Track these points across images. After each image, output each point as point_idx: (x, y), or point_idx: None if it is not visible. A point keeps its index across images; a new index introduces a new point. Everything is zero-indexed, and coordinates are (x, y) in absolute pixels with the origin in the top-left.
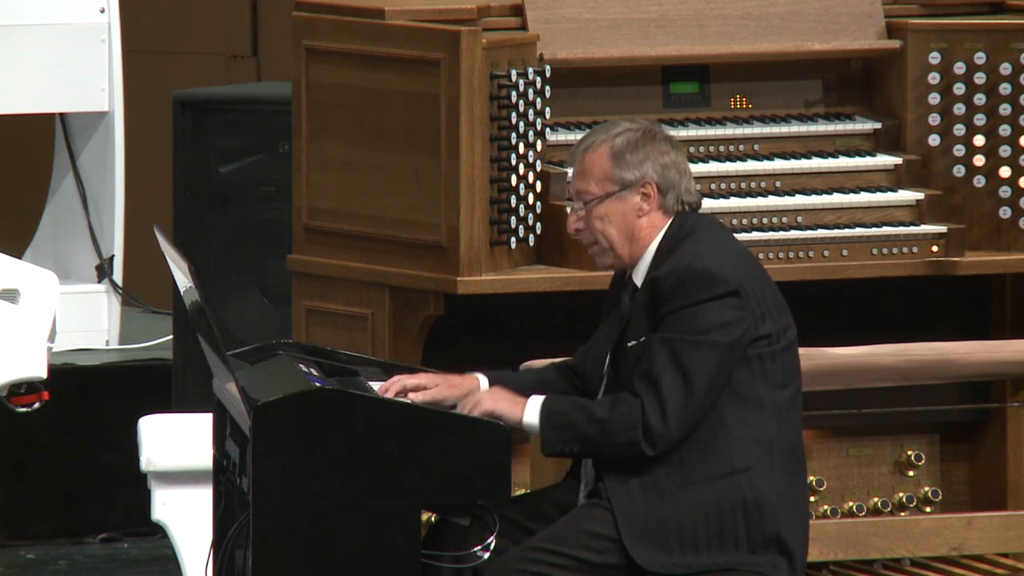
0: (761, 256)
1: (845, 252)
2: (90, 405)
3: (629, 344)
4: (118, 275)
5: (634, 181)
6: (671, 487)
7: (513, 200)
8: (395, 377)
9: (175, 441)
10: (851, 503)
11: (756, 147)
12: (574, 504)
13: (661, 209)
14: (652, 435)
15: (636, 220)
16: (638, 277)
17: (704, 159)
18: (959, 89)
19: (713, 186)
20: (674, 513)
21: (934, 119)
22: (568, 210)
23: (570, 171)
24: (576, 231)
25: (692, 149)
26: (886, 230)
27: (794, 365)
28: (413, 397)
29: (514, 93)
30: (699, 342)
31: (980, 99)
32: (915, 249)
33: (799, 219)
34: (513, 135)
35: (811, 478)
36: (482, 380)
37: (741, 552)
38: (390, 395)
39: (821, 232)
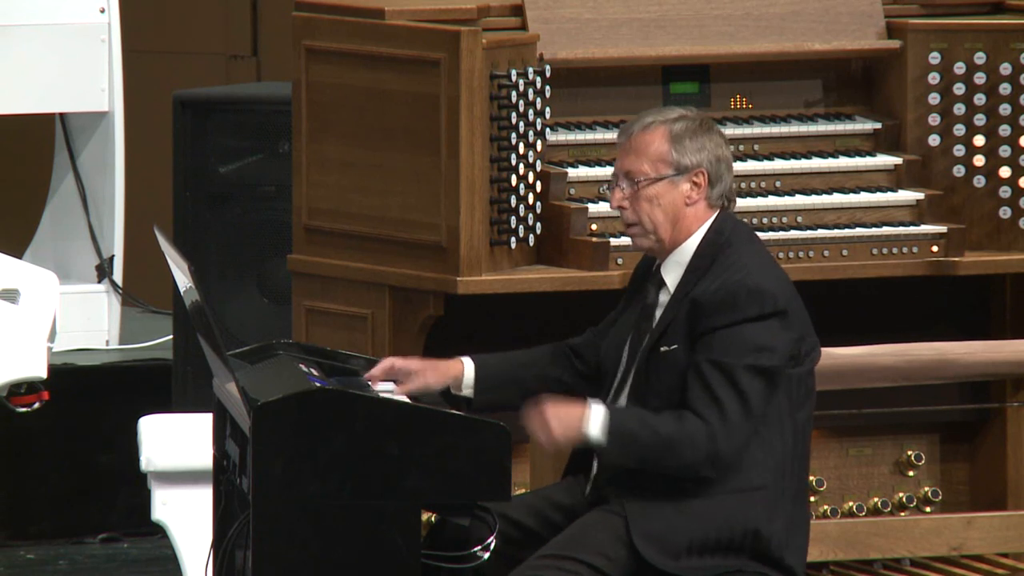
0: None
1: (845, 252)
2: (90, 405)
3: (663, 349)
4: (118, 275)
5: (689, 167)
6: (687, 499)
7: (513, 200)
8: (385, 361)
9: (175, 441)
10: (851, 503)
11: (756, 147)
12: (573, 504)
13: (707, 201)
14: (720, 461)
15: (683, 207)
16: (669, 273)
17: None
18: (959, 89)
19: None
20: (687, 525)
21: (934, 119)
22: (611, 188)
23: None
24: (620, 209)
25: None
26: (886, 230)
27: (812, 384)
28: (397, 389)
29: (514, 93)
30: (754, 367)
31: (980, 99)
32: (915, 249)
33: (799, 219)
34: (513, 135)
35: (811, 478)
36: (467, 363)
37: (743, 559)
38: (378, 375)
39: (821, 232)
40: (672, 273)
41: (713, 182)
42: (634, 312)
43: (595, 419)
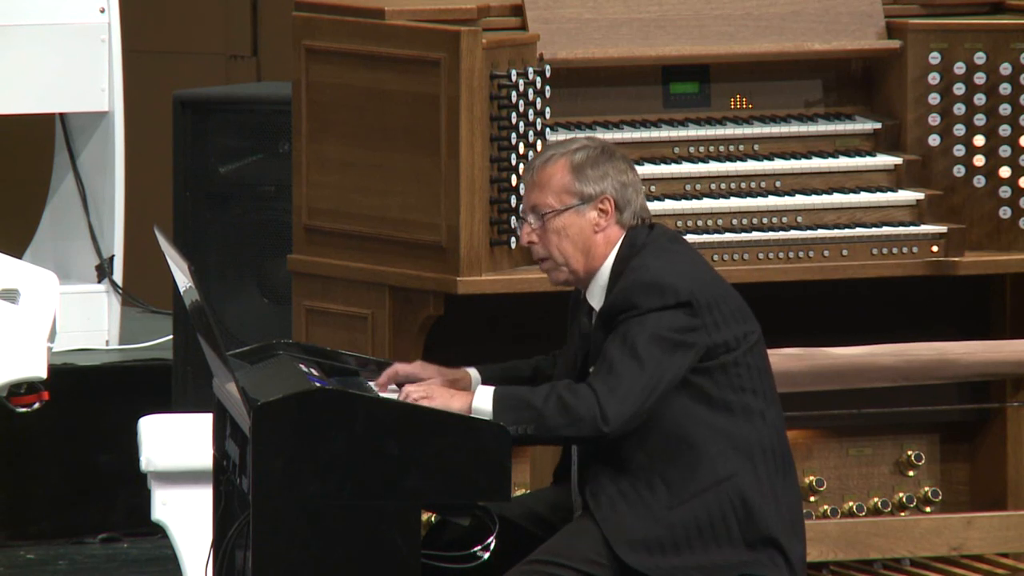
0: (761, 256)
1: (845, 252)
2: (90, 405)
3: (591, 371)
4: (118, 275)
5: (593, 195)
6: (661, 509)
7: (513, 200)
8: (392, 368)
9: (175, 441)
10: (851, 503)
11: (756, 147)
12: (569, 505)
13: (617, 225)
14: (610, 419)
15: (592, 235)
16: (593, 298)
17: (704, 159)
18: (959, 89)
19: (713, 186)
20: (668, 531)
21: (934, 119)
22: (520, 224)
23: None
24: (529, 244)
25: (692, 149)
26: (886, 230)
27: (762, 365)
28: (408, 389)
29: (514, 93)
30: (654, 336)
31: (980, 99)
32: (915, 249)
33: (799, 219)
34: (513, 135)
35: (811, 478)
36: (473, 374)
37: (739, 550)
38: (383, 382)
39: (821, 232)
40: (596, 297)
41: (621, 207)
42: (574, 343)
43: (483, 391)
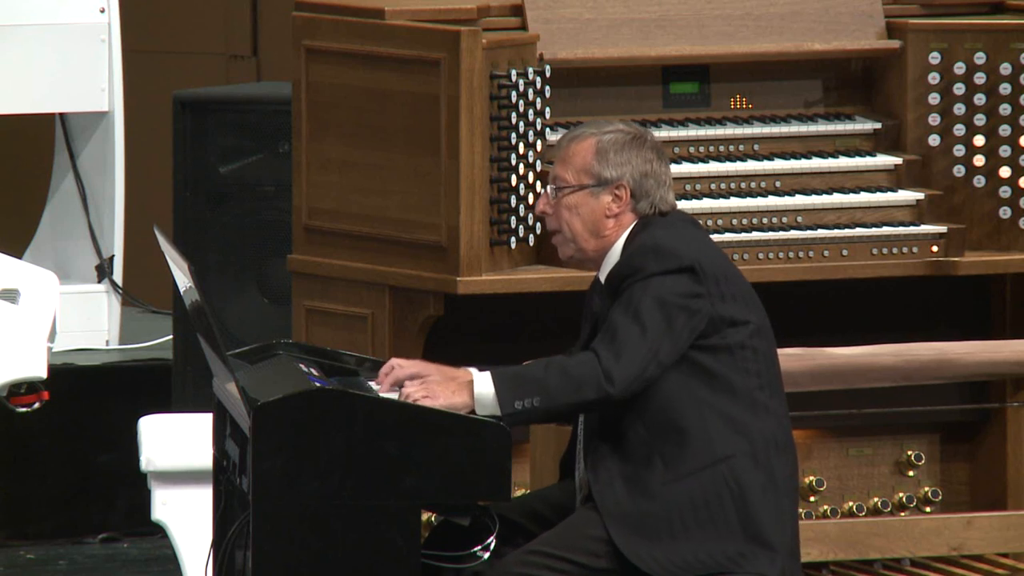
0: (761, 256)
1: (845, 252)
2: (90, 405)
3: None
4: (118, 275)
5: (610, 180)
6: (656, 485)
7: (513, 200)
8: (391, 361)
9: (175, 441)
10: (851, 503)
11: (756, 147)
12: (570, 505)
13: (632, 213)
14: (615, 380)
15: (603, 219)
16: (605, 276)
17: (704, 159)
18: (959, 89)
19: (713, 186)
20: (663, 509)
21: (934, 119)
22: (541, 192)
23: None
24: (543, 214)
25: (692, 149)
26: (886, 230)
27: (768, 352)
28: (408, 390)
29: (514, 93)
30: (656, 299)
31: (980, 99)
32: (915, 249)
33: (799, 219)
34: (513, 135)
35: (811, 478)
36: (475, 375)
37: (737, 539)
38: (386, 384)
39: (821, 232)
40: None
41: (637, 196)
42: (589, 325)
43: (481, 376)
